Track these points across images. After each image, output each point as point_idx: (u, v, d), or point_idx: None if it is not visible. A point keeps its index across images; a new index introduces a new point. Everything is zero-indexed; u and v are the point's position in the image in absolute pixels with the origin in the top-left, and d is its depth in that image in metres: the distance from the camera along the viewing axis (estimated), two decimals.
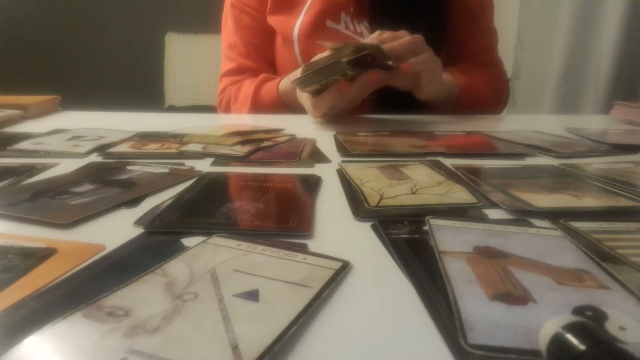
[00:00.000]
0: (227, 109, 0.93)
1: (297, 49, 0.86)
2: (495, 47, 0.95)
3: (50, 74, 2.19)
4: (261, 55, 0.93)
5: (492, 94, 0.91)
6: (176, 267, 0.24)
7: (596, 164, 0.47)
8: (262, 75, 0.88)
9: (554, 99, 1.71)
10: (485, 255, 0.26)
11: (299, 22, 0.85)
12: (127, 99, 1.39)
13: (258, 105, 0.86)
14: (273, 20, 0.89)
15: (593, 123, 0.80)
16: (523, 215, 0.32)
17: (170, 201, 0.35)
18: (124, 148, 0.53)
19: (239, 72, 0.93)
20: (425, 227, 0.29)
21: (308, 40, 0.84)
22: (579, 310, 0.20)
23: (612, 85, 1.55)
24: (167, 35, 2.27)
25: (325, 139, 0.59)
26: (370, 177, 0.41)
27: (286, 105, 0.82)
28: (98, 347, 0.17)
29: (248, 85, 0.88)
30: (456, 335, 0.18)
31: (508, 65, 1.11)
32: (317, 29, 0.83)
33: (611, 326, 0.19)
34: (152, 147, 0.53)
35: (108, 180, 0.40)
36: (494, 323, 0.19)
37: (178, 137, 0.58)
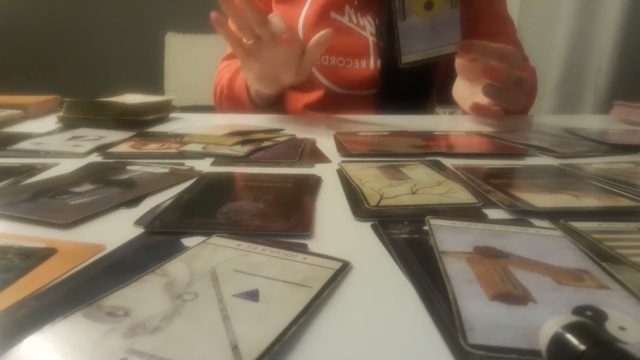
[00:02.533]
0: (217, 86, 0.95)
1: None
2: (514, 36, 0.91)
3: (50, 74, 2.19)
4: None
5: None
6: (176, 267, 0.24)
7: (596, 164, 0.47)
8: None
9: (554, 99, 1.71)
10: (485, 255, 0.26)
11: (303, 13, 0.86)
12: None
13: (233, 80, 0.87)
14: (278, 9, 0.89)
15: (593, 123, 0.80)
16: (523, 215, 0.32)
17: (170, 201, 0.35)
18: (124, 148, 0.53)
19: (234, 57, 0.94)
20: (425, 227, 0.29)
21: (312, 31, 0.84)
22: (579, 310, 0.20)
23: (612, 85, 1.55)
24: (167, 35, 2.27)
25: (325, 139, 0.59)
26: (370, 177, 0.41)
27: (251, 98, 0.82)
28: (98, 347, 0.17)
29: (229, 72, 0.91)
30: (456, 335, 0.18)
31: None
32: (321, 20, 0.84)
33: (611, 326, 0.19)
34: (152, 147, 0.53)
35: (108, 180, 0.40)
36: (494, 323, 0.19)
37: (178, 137, 0.58)
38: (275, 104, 0.87)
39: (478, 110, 0.70)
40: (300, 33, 0.86)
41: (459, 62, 0.67)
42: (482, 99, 0.68)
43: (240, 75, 0.85)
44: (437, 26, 0.58)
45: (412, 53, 0.59)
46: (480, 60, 0.63)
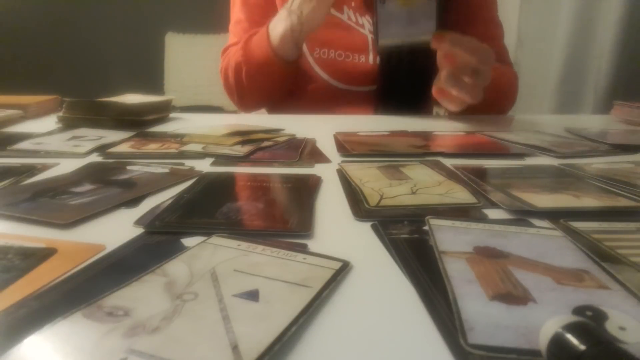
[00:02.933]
0: (227, 69, 0.90)
1: None
2: (501, 40, 0.92)
3: (50, 74, 2.19)
4: None
5: (506, 90, 0.87)
6: (176, 267, 0.24)
7: (596, 164, 0.47)
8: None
9: (554, 99, 1.71)
10: (485, 255, 0.26)
11: None
12: None
13: (248, 51, 0.83)
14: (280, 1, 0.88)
15: (593, 123, 0.80)
16: (523, 215, 0.32)
17: (170, 201, 0.35)
18: (124, 148, 0.53)
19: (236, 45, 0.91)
20: (425, 227, 0.29)
21: None
22: (579, 310, 0.20)
23: (612, 85, 1.55)
24: (167, 35, 2.27)
25: (325, 139, 0.59)
26: (370, 177, 0.41)
27: (273, 49, 0.79)
28: (98, 347, 0.17)
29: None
30: (456, 335, 0.18)
31: None
32: None
33: (611, 326, 0.19)
34: (152, 147, 0.53)
35: (108, 180, 0.40)
36: (494, 323, 0.19)
37: (178, 137, 0.58)
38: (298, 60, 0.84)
39: (440, 94, 0.71)
40: None
41: (440, 56, 0.68)
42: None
43: (254, 46, 0.82)
44: (414, 15, 0.62)
45: (388, 37, 0.64)
46: (452, 52, 0.64)
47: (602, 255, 0.25)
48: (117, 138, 0.57)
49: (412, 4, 0.62)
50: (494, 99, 0.74)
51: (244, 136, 0.58)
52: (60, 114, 0.67)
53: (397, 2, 0.62)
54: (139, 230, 0.29)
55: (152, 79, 2.23)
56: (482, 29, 0.87)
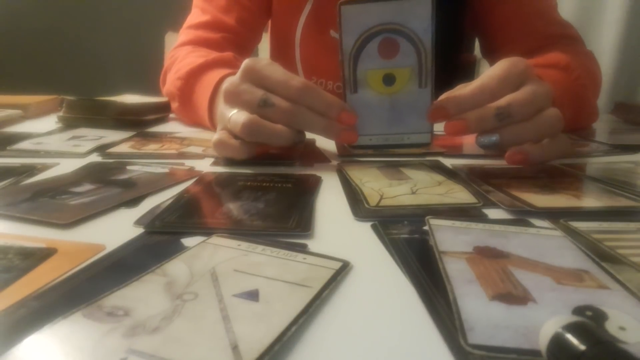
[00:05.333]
0: (165, 76, 0.74)
1: (297, 54, 0.80)
2: (550, 11, 0.72)
3: (50, 74, 2.19)
4: (246, 18, 0.76)
5: (583, 100, 0.61)
6: (176, 267, 0.24)
7: (596, 164, 0.47)
8: (228, 55, 0.65)
9: None
10: (485, 255, 0.26)
11: (300, 26, 0.78)
12: None
13: (188, 90, 0.63)
14: (275, 20, 0.83)
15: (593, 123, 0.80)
16: (523, 215, 0.32)
17: (170, 201, 0.35)
18: (123, 148, 0.53)
19: (211, 27, 0.74)
20: (425, 227, 0.29)
21: (310, 47, 0.79)
22: (579, 310, 0.20)
23: (612, 85, 1.55)
24: (167, 35, 2.27)
25: (325, 139, 0.58)
26: (370, 177, 0.41)
27: (213, 119, 0.58)
28: (98, 347, 0.17)
29: (201, 56, 0.64)
30: (456, 335, 0.18)
31: None
32: (320, 38, 0.78)
33: (611, 326, 0.19)
34: (152, 147, 0.53)
35: (108, 180, 0.40)
36: (494, 323, 0.19)
37: (178, 139, 0.58)
38: None
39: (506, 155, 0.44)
40: (297, 47, 0.79)
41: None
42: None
43: (197, 90, 0.62)
44: (398, 107, 0.45)
45: (362, 135, 0.45)
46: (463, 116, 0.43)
47: (602, 255, 0.25)
48: (117, 138, 0.58)
49: (395, 92, 0.44)
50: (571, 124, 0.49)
51: None
52: (60, 113, 0.67)
53: (375, 90, 0.44)
54: (139, 230, 0.29)
55: (152, 79, 2.23)
56: (527, 4, 0.69)
